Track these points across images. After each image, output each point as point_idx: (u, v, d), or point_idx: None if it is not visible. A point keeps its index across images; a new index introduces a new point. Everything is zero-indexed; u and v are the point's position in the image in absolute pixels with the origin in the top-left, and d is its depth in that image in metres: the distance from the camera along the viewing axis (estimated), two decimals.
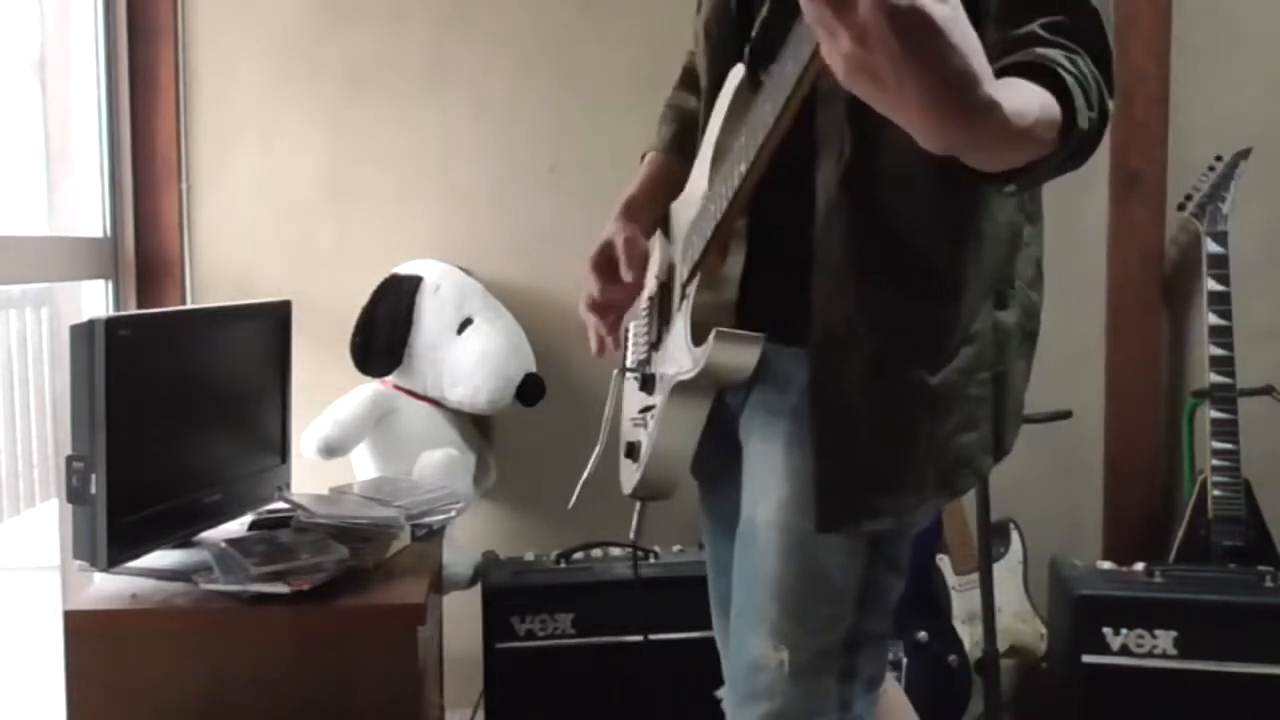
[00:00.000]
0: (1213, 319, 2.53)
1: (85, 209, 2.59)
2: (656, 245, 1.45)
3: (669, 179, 1.43)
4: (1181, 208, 2.61)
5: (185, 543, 1.96)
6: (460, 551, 2.46)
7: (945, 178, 0.96)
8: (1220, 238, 2.54)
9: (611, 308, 1.41)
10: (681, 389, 1.27)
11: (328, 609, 1.79)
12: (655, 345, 1.40)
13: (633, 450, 1.39)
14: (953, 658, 2.49)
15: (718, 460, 1.37)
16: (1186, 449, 2.72)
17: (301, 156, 2.68)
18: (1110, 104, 1.01)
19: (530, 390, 2.49)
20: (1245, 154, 2.56)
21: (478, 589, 2.41)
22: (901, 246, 1.17)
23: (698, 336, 1.23)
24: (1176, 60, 2.68)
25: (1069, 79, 0.96)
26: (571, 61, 2.69)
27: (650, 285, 1.46)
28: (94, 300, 2.58)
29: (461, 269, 2.60)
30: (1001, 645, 2.42)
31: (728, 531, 1.35)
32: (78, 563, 1.80)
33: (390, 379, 2.53)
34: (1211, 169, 2.57)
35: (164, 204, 2.63)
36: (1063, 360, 2.53)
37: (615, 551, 2.43)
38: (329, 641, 1.79)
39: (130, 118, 2.60)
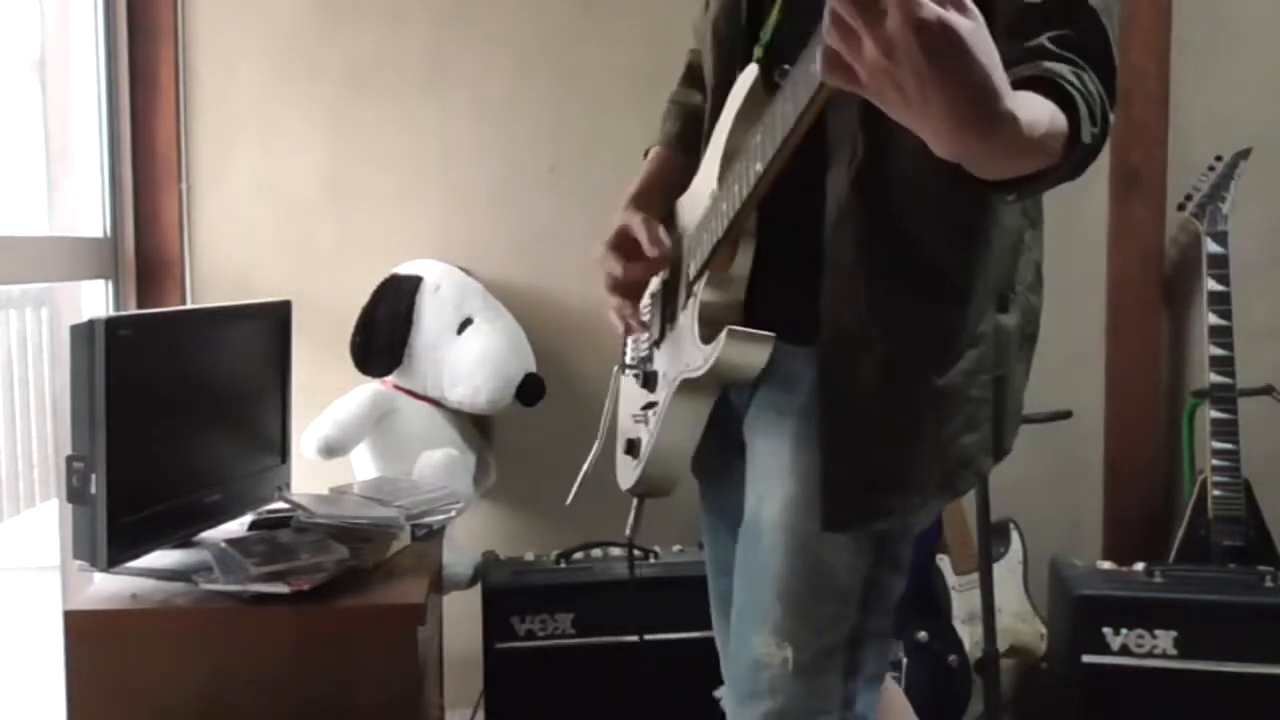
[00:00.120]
0: (1213, 319, 2.53)
1: (85, 209, 2.59)
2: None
3: (674, 175, 1.44)
4: (1181, 208, 2.61)
5: (185, 543, 1.96)
6: (460, 551, 2.46)
7: (956, 182, 0.97)
8: (1220, 238, 2.54)
9: (634, 288, 1.41)
10: (687, 386, 1.27)
11: (328, 609, 1.79)
12: (657, 343, 1.40)
13: (632, 447, 1.39)
14: (953, 658, 2.49)
15: (719, 459, 1.37)
16: (1186, 449, 2.72)
17: (301, 156, 2.68)
18: (1111, 118, 1.02)
19: (530, 390, 2.49)
20: (1245, 154, 2.56)
21: (478, 589, 2.41)
22: (912, 249, 1.18)
23: (706, 334, 1.24)
24: (1176, 60, 2.68)
25: (1075, 95, 0.98)
26: (571, 61, 2.69)
27: (652, 283, 1.46)
28: (94, 300, 2.58)
29: (461, 269, 2.60)
30: (1001, 645, 2.42)
31: (729, 530, 1.35)
32: (78, 563, 1.80)
33: (390, 379, 2.53)
34: (1211, 169, 2.57)
35: (164, 204, 2.63)
36: (1063, 360, 2.53)
37: (615, 551, 2.43)
38: (329, 641, 1.79)
39: (130, 118, 2.60)
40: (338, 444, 2.40)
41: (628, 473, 1.41)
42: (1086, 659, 2.31)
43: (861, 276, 1.18)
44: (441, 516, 2.17)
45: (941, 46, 0.78)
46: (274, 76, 2.67)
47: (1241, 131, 2.63)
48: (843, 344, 1.19)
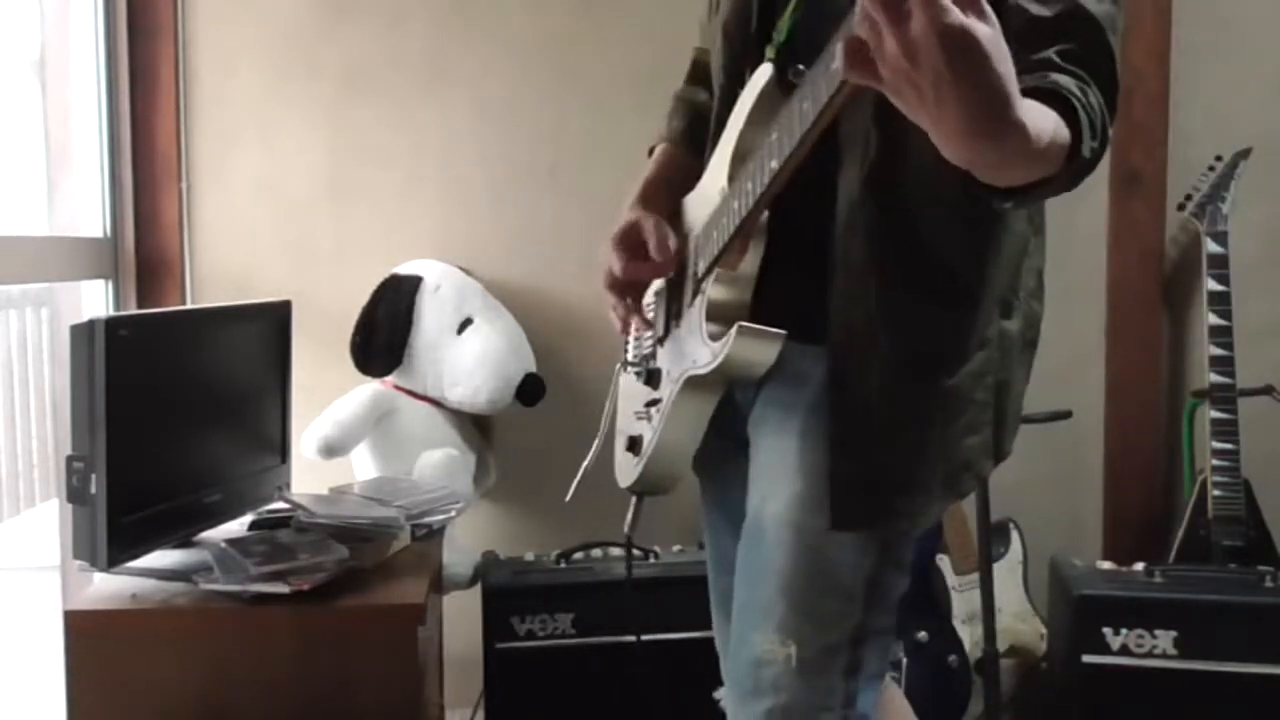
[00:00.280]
0: (1213, 319, 2.53)
1: (85, 209, 2.59)
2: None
3: (679, 173, 1.44)
4: (1181, 208, 2.61)
5: (185, 543, 1.96)
6: (460, 551, 2.46)
7: (963, 185, 0.98)
8: (1220, 238, 2.54)
9: (633, 286, 1.41)
10: (693, 383, 1.27)
11: (328, 609, 1.79)
12: (661, 340, 1.40)
13: (634, 444, 1.39)
14: (953, 658, 2.49)
15: (722, 457, 1.37)
16: (1186, 449, 2.72)
17: (301, 156, 2.68)
18: (1110, 133, 1.04)
19: (530, 390, 2.49)
20: (1245, 154, 2.56)
21: (478, 589, 2.41)
22: (924, 250, 1.19)
23: (714, 332, 1.24)
24: (1176, 60, 2.68)
25: (1079, 108, 0.99)
26: (571, 61, 2.69)
27: (656, 281, 1.45)
28: (94, 300, 2.58)
29: (461, 269, 2.60)
30: (1001, 645, 2.42)
31: (731, 529, 1.35)
32: (78, 563, 1.80)
33: (390, 379, 2.53)
34: (1211, 169, 2.57)
35: (164, 204, 2.63)
36: (1063, 360, 2.53)
37: (615, 552, 2.43)
38: (329, 641, 1.80)
39: (130, 117, 2.60)
40: (338, 444, 2.40)
41: (628, 470, 1.41)
42: (1086, 659, 2.31)
43: (872, 276, 1.18)
44: (441, 516, 2.17)
45: (961, 52, 0.79)
46: (274, 76, 2.67)
47: (1241, 131, 2.63)
48: (852, 344, 1.20)
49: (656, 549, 2.45)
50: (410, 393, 2.52)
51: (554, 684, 2.32)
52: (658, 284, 1.44)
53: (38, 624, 2.80)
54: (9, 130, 2.81)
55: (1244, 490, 2.51)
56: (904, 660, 2.44)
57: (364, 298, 2.50)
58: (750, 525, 1.28)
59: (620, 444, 1.45)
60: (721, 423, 1.32)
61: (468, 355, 2.47)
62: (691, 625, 2.16)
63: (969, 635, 2.51)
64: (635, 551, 2.40)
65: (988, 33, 0.80)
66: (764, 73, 1.22)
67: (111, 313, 2.55)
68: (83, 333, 1.72)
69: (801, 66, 1.13)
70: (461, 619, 2.46)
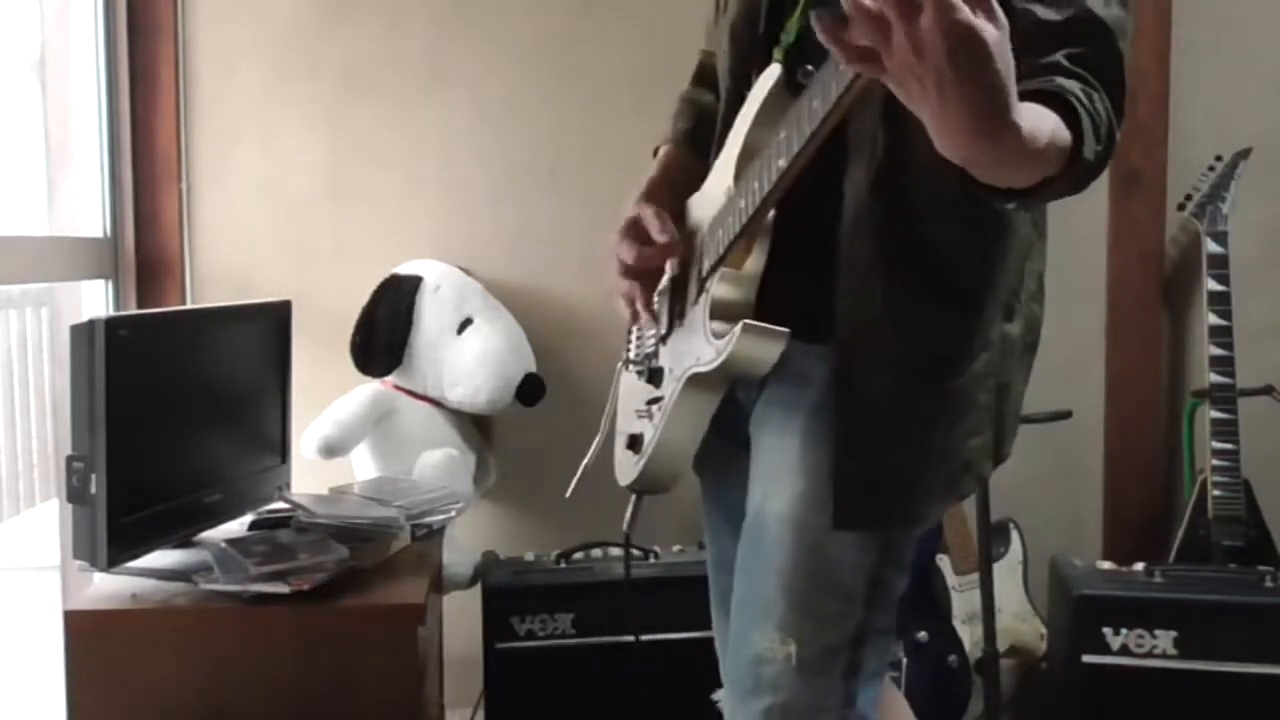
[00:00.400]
0: (1213, 319, 2.53)
1: (85, 209, 2.59)
2: None
3: (684, 173, 1.44)
4: (1181, 208, 2.61)
5: (185, 543, 1.96)
6: (460, 551, 2.46)
7: (965, 185, 0.98)
8: (1220, 238, 2.54)
9: (644, 275, 1.40)
10: (696, 381, 1.28)
11: (328, 609, 1.79)
12: (664, 338, 1.40)
13: (635, 442, 1.39)
14: (953, 658, 2.49)
15: (723, 456, 1.37)
16: (1186, 449, 2.72)
17: (301, 156, 2.68)
18: (1117, 137, 1.05)
19: (530, 390, 2.49)
20: (1245, 154, 2.56)
21: (478, 589, 2.41)
22: (930, 252, 1.19)
23: (718, 330, 1.24)
24: (1176, 60, 2.68)
25: (1082, 112, 1.00)
26: (571, 62, 2.69)
27: (661, 280, 1.46)
28: (94, 300, 2.58)
29: (461, 269, 2.60)
30: (1001, 645, 2.42)
31: (731, 528, 1.35)
32: (78, 563, 1.80)
33: (390, 379, 2.53)
34: (1211, 169, 2.57)
35: (164, 204, 2.63)
36: (1063, 360, 2.53)
37: (615, 552, 2.43)
38: (329, 641, 1.79)
39: (130, 117, 2.60)
40: (338, 444, 2.40)
41: (628, 468, 1.41)
42: (1086, 659, 2.31)
43: (878, 277, 1.19)
44: (441, 516, 2.17)
45: (966, 50, 0.81)
46: (274, 76, 2.67)
47: (1241, 131, 2.63)
48: (858, 343, 1.20)
49: (656, 549, 2.45)
50: (410, 393, 2.52)
51: (554, 684, 2.32)
52: (662, 283, 1.44)
53: (38, 624, 2.80)
54: (9, 130, 2.81)
55: (1244, 490, 2.51)
56: (904, 660, 2.44)
57: (364, 298, 2.50)
58: (751, 524, 1.28)
59: (621, 442, 1.45)
60: (723, 421, 1.32)
61: (468, 355, 2.47)
62: (691, 625, 2.16)
63: (969, 635, 2.51)
64: (635, 551, 2.40)
65: (994, 34, 0.81)
66: (772, 73, 1.23)
67: (111, 313, 2.55)
68: (83, 333, 1.72)
69: (810, 67, 1.14)
70: (461, 619, 2.46)
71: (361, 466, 2.53)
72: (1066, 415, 2.50)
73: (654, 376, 1.38)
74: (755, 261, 1.26)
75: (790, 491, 1.24)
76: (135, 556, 1.83)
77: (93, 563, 1.75)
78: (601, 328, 2.55)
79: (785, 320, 1.20)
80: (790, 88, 1.19)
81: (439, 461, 2.42)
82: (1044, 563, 2.59)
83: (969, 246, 1.20)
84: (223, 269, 2.67)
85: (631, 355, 1.50)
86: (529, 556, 2.48)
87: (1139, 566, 2.42)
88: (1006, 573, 2.60)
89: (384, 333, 2.47)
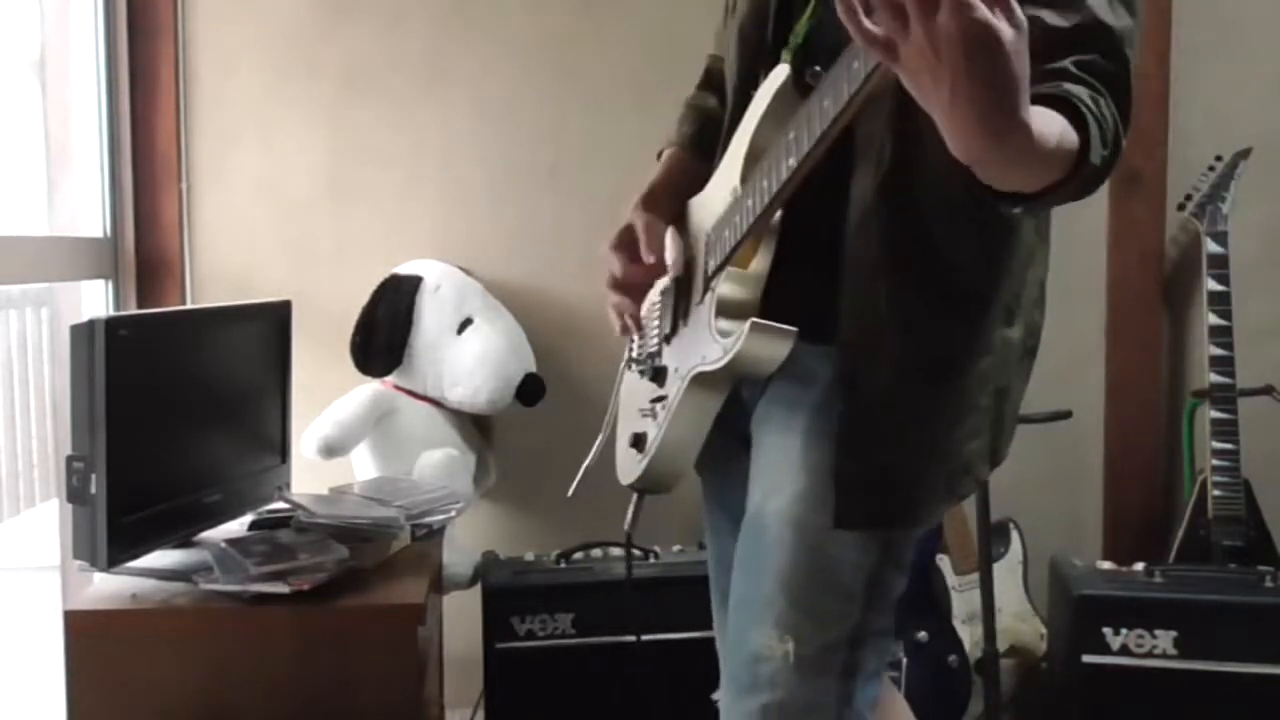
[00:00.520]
0: (1213, 319, 2.53)
1: (85, 209, 2.59)
2: (670, 240, 1.46)
3: (687, 176, 1.44)
4: (1181, 208, 2.61)
5: (185, 543, 1.96)
6: (460, 551, 2.46)
7: (970, 187, 0.99)
8: (1220, 238, 2.54)
9: (633, 288, 1.42)
10: (701, 380, 1.28)
11: (328, 609, 1.79)
12: (668, 338, 1.40)
13: (638, 441, 1.39)
14: (953, 658, 2.49)
15: (725, 456, 1.38)
16: (1186, 449, 2.72)
17: (301, 156, 2.68)
18: (1124, 144, 1.05)
19: (530, 390, 2.49)
20: (1245, 154, 2.56)
21: (478, 589, 2.41)
22: (935, 255, 1.20)
23: (725, 328, 1.24)
24: (1176, 60, 2.68)
25: (1089, 117, 1.00)
26: (571, 62, 2.69)
27: (663, 280, 1.46)
28: (94, 300, 2.58)
29: (461, 269, 2.60)
30: (1001, 645, 2.42)
31: (732, 527, 1.35)
32: (78, 563, 1.80)
33: (390, 379, 2.53)
34: (1211, 169, 2.57)
35: (164, 204, 2.63)
36: (1063, 360, 2.53)
37: (615, 552, 2.43)
38: (329, 641, 1.80)
39: (130, 117, 2.60)
40: (338, 444, 2.40)
41: (631, 467, 1.41)
42: (1086, 659, 2.31)
43: (883, 278, 1.19)
44: (441, 516, 2.17)
45: (982, 49, 0.82)
46: (274, 76, 2.67)
47: (1241, 131, 2.63)
48: (862, 345, 1.21)
49: (656, 549, 2.45)
50: (410, 393, 2.52)
51: (554, 684, 2.32)
52: (663, 282, 1.44)
53: (38, 624, 2.80)
54: (9, 130, 2.81)
55: (1244, 490, 2.51)
56: (904, 660, 2.44)
57: (364, 298, 2.50)
58: (751, 522, 1.29)
59: (623, 441, 1.45)
60: (725, 421, 1.33)
61: (468, 355, 2.47)
62: (691, 625, 2.16)
63: (969, 635, 2.51)
64: (635, 551, 2.40)
65: (1010, 34, 0.82)
66: (780, 73, 1.23)
67: (111, 313, 2.55)
68: (83, 333, 1.72)
69: (818, 68, 1.14)
70: (461, 619, 2.46)
71: (361, 466, 2.53)
72: (1066, 415, 2.50)
73: (658, 375, 1.39)
74: (761, 261, 1.26)
75: (791, 490, 1.24)
76: (135, 556, 1.83)
77: (93, 563, 1.75)
78: (601, 328, 2.51)
79: (790, 320, 1.21)
80: (798, 88, 1.20)
81: (439, 461, 2.42)
82: (1044, 563, 2.59)
83: (973, 250, 1.20)
84: (223, 269, 2.67)
85: (634, 354, 1.50)
86: (529, 556, 2.48)
87: (1139, 566, 2.42)
88: (1006, 573, 2.60)
89: (384, 333, 2.47)
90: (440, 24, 2.68)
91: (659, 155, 1.51)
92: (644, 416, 1.40)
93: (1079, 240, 2.67)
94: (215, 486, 2.01)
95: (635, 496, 1.43)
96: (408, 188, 2.69)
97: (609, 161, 2.63)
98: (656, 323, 1.45)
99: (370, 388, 2.50)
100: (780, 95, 1.22)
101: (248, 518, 2.12)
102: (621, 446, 1.45)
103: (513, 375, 2.47)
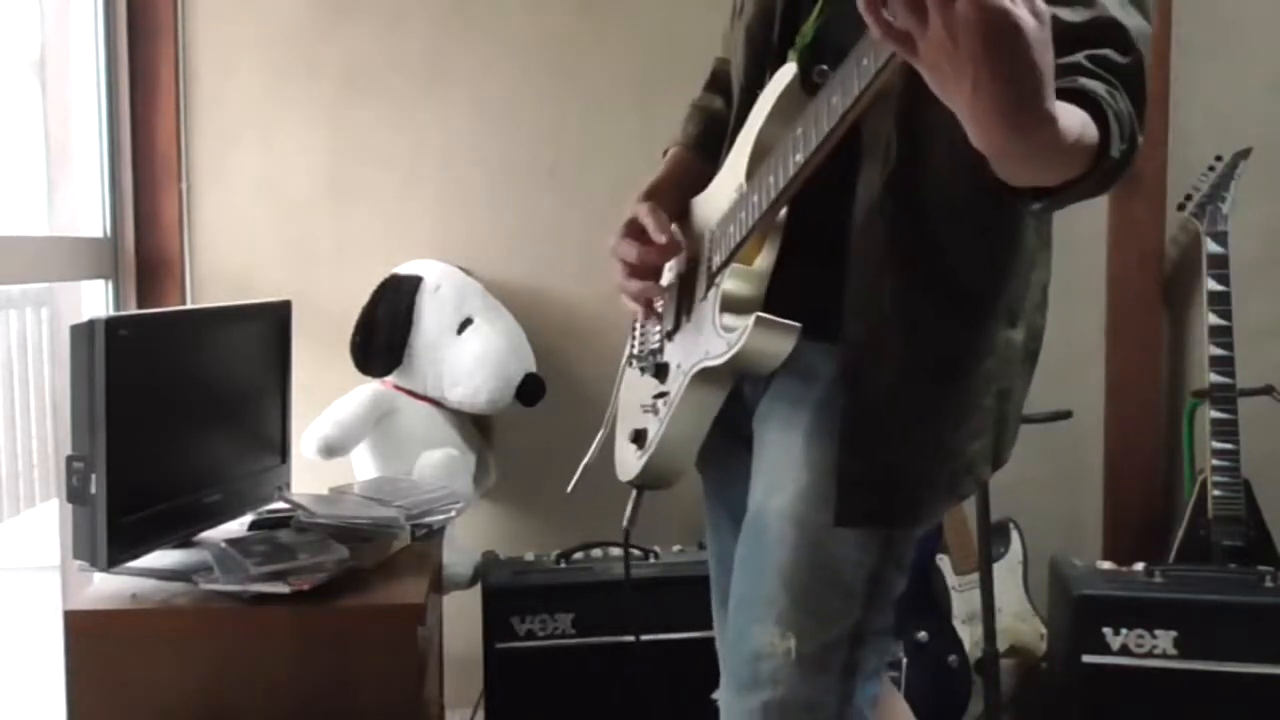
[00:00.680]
0: (1213, 319, 2.53)
1: (85, 209, 2.59)
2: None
3: (690, 175, 1.45)
4: (1181, 208, 2.61)
5: (185, 543, 1.96)
6: (460, 551, 2.46)
7: (983, 186, 0.98)
8: (1220, 238, 2.54)
9: (651, 271, 1.42)
10: (704, 375, 1.28)
11: (328, 609, 1.79)
12: (670, 335, 1.40)
13: (639, 437, 1.39)
14: (953, 658, 2.49)
15: (726, 454, 1.38)
16: (1186, 449, 2.72)
17: (301, 156, 2.68)
18: (1140, 139, 1.04)
19: (530, 390, 2.49)
20: (1245, 154, 2.56)
21: (478, 589, 2.41)
22: (939, 255, 1.20)
23: (729, 324, 1.25)
24: (1176, 60, 2.68)
25: (1108, 110, 1.00)
26: (571, 62, 2.69)
27: (665, 277, 1.46)
28: (94, 300, 2.58)
29: (461, 269, 2.60)
30: (1001, 645, 2.42)
31: (732, 525, 1.36)
32: (78, 563, 1.80)
33: (390, 379, 2.53)
34: (1211, 169, 2.57)
35: (164, 204, 2.63)
36: (1063, 360, 2.52)
37: (615, 552, 2.43)
38: (329, 641, 1.80)
39: (130, 118, 2.60)
40: (338, 444, 2.40)
41: (631, 464, 1.41)
42: (1086, 659, 2.31)
43: (888, 277, 1.19)
44: (441, 516, 2.17)
45: (1002, 38, 0.81)
46: (274, 76, 2.67)
47: (1241, 131, 2.63)
48: (866, 343, 1.21)
49: (656, 549, 2.45)
50: (410, 393, 2.52)
51: (554, 684, 2.32)
52: (668, 279, 1.44)
53: (38, 624, 2.80)
54: (9, 130, 2.81)
55: (1244, 490, 2.52)
56: (904, 660, 2.44)
57: (364, 298, 2.50)
58: (752, 519, 1.29)
59: (623, 438, 1.45)
60: (727, 419, 1.33)
61: (468, 355, 2.47)
62: (691, 625, 2.16)
63: (969, 635, 2.51)
64: (635, 551, 2.40)
65: (1032, 24, 0.82)
66: (788, 71, 1.23)
67: (111, 313, 2.55)
68: (83, 333, 1.72)
69: (825, 67, 1.14)
70: (461, 619, 2.46)
71: (361, 466, 2.53)
72: (1066, 415, 2.50)
73: (660, 372, 1.39)
74: (766, 258, 1.26)
75: (793, 488, 1.24)
76: (135, 556, 1.83)
77: (93, 563, 1.75)
78: (601, 328, 2.55)
79: (793, 317, 1.21)
80: (805, 88, 1.20)
81: (439, 461, 2.42)
82: (1044, 563, 2.59)
83: (977, 250, 1.21)
84: (223, 269, 2.67)
85: (635, 351, 1.50)
86: (529, 556, 2.48)
87: (1139, 566, 2.42)
88: (1006, 573, 2.60)
89: (384, 333, 2.47)
90: (440, 24, 2.68)
91: (664, 155, 1.52)
92: (645, 413, 1.40)
93: (1079, 240, 2.67)
94: (215, 486, 2.01)
95: (634, 493, 1.43)
96: (408, 188, 2.69)
97: (609, 161, 2.63)
98: (659, 319, 1.45)
99: (370, 388, 2.50)
100: (787, 93, 1.23)
101: (248, 518, 2.12)
102: (621, 443, 1.45)
103: (513, 375, 2.47)
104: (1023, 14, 0.81)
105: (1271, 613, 2.27)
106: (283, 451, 2.24)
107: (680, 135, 1.51)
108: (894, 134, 1.17)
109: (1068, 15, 1.06)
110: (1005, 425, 1.30)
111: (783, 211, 1.23)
